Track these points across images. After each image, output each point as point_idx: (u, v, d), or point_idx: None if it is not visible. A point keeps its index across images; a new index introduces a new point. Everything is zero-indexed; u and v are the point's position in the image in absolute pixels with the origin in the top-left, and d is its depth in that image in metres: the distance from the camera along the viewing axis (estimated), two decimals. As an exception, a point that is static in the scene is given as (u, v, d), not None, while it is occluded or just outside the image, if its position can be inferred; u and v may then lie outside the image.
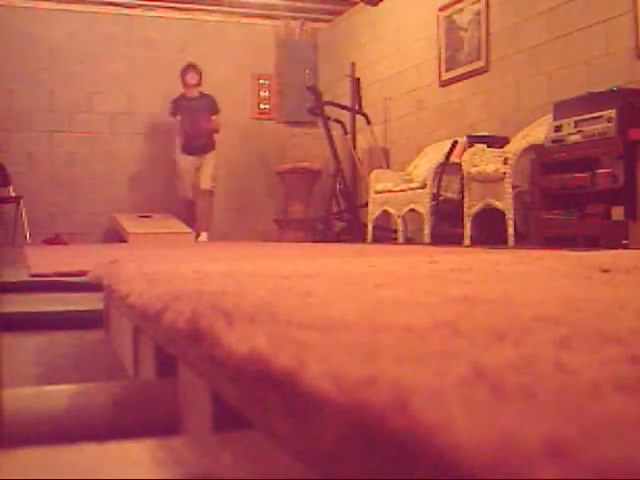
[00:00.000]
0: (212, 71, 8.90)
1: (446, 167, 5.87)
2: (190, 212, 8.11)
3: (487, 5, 6.45)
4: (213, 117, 8.10)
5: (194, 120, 7.99)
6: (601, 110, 4.47)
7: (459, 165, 5.55)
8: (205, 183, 7.97)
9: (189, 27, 8.90)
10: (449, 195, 6.06)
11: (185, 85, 8.09)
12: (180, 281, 0.93)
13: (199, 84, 8.11)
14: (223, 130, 8.34)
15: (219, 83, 8.92)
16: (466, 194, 5.48)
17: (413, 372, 0.34)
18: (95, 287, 1.34)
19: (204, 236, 7.91)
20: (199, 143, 8.01)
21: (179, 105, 8.12)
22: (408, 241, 6.55)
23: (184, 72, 8.07)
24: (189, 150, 8.03)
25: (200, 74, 8.09)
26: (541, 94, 5.71)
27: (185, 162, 8.06)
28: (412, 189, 6.20)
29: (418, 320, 0.52)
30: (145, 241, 7.28)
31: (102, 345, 1.29)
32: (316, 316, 0.55)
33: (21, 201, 7.70)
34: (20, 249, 5.66)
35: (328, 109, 7.84)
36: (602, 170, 4.46)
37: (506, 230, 5.09)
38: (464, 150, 5.60)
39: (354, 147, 8.12)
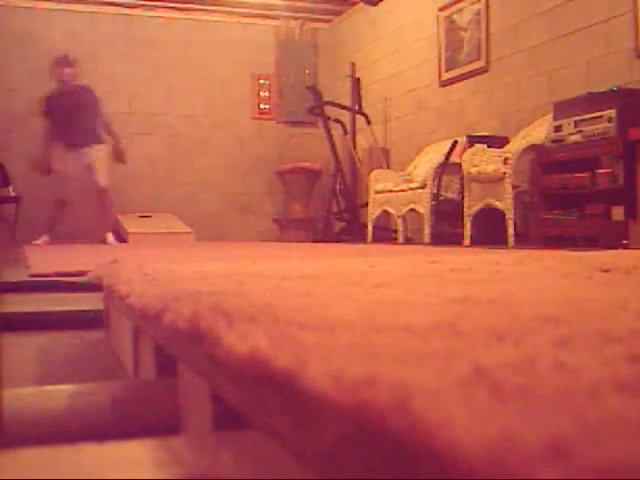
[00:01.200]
0: (212, 71, 8.91)
1: (446, 167, 5.87)
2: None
3: (487, 5, 6.46)
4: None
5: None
6: (601, 110, 4.47)
7: (459, 165, 5.56)
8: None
9: (189, 27, 8.90)
10: (449, 195, 6.07)
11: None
12: (180, 281, 0.93)
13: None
14: (223, 130, 8.34)
15: (219, 83, 8.92)
16: (466, 194, 5.48)
17: (413, 372, 0.34)
18: (95, 287, 1.34)
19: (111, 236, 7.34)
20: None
21: None
22: (408, 241, 6.55)
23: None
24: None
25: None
26: (541, 94, 5.71)
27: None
28: (412, 189, 6.20)
29: (418, 320, 0.52)
30: (145, 241, 7.28)
31: (102, 345, 1.29)
32: (316, 316, 0.55)
33: (21, 201, 7.70)
34: (20, 249, 5.66)
35: (328, 109, 7.85)
36: (602, 170, 4.46)
37: (506, 230, 5.09)
38: (464, 150, 5.60)
39: (354, 147, 8.12)
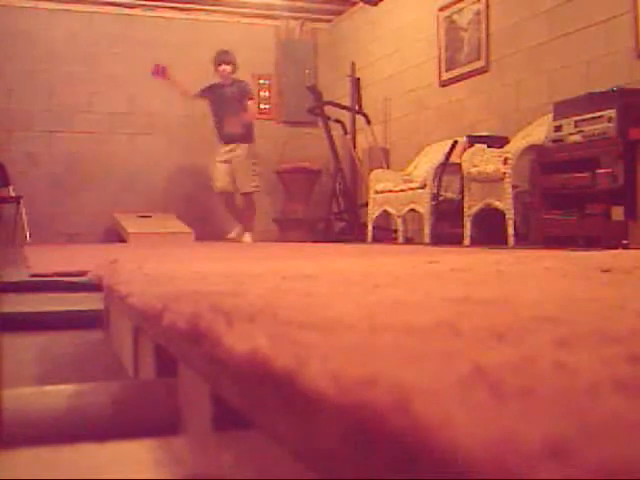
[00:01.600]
0: (212, 71, 8.90)
1: (446, 167, 5.87)
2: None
3: (487, 5, 6.45)
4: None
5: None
6: (601, 110, 4.47)
7: (459, 165, 5.55)
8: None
9: (189, 27, 8.90)
10: (449, 195, 6.06)
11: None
12: (180, 281, 0.93)
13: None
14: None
15: (219, 83, 8.91)
16: (466, 194, 5.48)
17: (413, 372, 0.34)
18: (95, 287, 1.34)
19: (247, 236, 7.49)
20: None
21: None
22: (408, 241, 6.55)
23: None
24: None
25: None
26: (541, 94, 5.71)
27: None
28: (412, 189, 6.20)
29: (418, 320, 0.52)
30: (145, 241, 7.27)
31: (102, 345, 1.29)
32: (316, 316, 0.55)
33: (21, 201, 7.70)
34: (20, 249, 5.66)
35: (328, 109, 7.84)
36: (602, 170, 4.46)
37: (506, 230, 5.08)
38: (464, 150, 5.60)
39: (354, 147, 8.12)
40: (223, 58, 7.55)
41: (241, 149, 7.40)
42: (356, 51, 8.74)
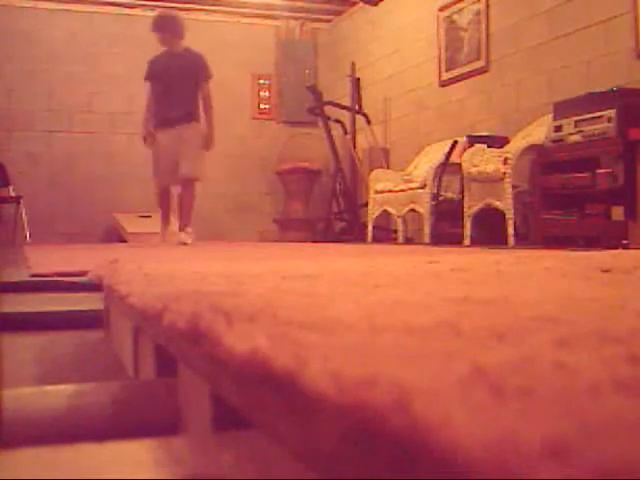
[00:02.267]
0: (212, 71, 8.91)
1: (446, 167, 5.87)
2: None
3: (487, 5, 6.45)
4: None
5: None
6: (601, 110, 4.47)
7: (459, 165, 5.56)
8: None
9: (189, 27, 8.89)
10: (449, 195, 6.07)
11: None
12: (180, 281, 0.93)
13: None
14: (223, 130, 8.32)
15: (219, 83, 8.91)
16: (466, 194, 5.48)
17: (413, 372, 0.34)
18: (95, 287, 1.34)
19: (185, 235, 6.12)
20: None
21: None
22: (408, 241, 6.55)
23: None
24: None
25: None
26: (541, 94, 5.71)
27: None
28: (412, 189, 6.20)
29: (418, 320, 0.52)
30: (145, 241, 7.27)
31: (102, 345, 1.29)
32: (316, 316, 0.55)
33: (21, 201, 7.70)
34: (20, 249, 5.66)
35: (328, 109, 7.84)
36: (602, 170, 4.46)
37: (506, 230, 5.09)
38: (464, 150, 5.60)
39: (354, 147, 8.12)
40: (159, 25, 6.10)
41: (192, 129, 6.04)
42: (356, 51, 8.74)
